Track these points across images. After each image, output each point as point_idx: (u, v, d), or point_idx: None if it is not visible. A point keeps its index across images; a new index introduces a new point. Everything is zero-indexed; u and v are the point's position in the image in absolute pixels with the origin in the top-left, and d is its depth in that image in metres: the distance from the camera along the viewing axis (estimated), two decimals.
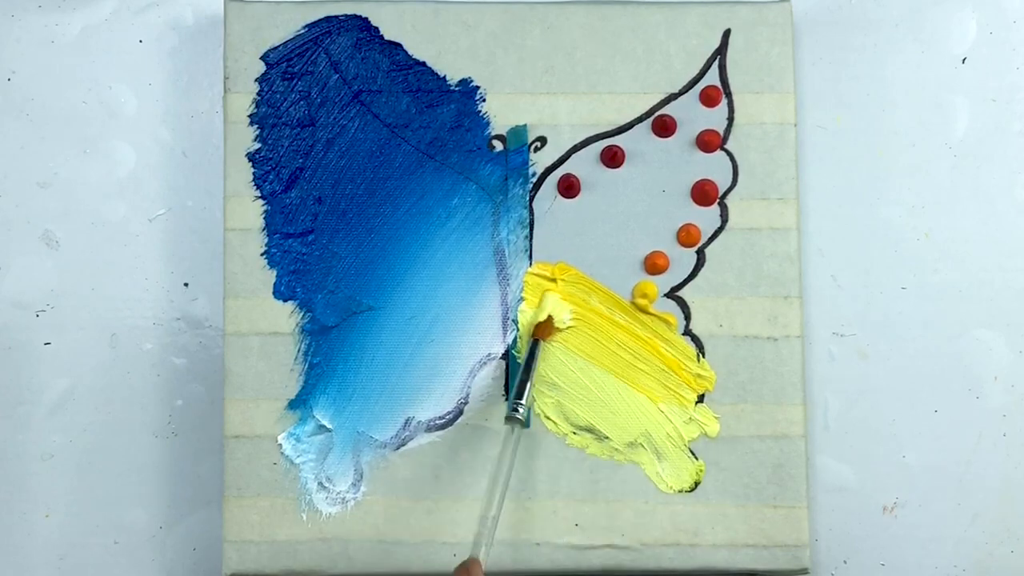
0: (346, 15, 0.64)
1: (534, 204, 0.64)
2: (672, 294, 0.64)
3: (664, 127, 0.64)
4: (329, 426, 0.63)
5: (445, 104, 0.64)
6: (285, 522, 0.62)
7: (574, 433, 0.63)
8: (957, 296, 0.66)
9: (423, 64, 0.64)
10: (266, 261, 0.63)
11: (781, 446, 0.63)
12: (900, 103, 0.67)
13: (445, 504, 0.62)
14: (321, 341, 0.63)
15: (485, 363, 0.63)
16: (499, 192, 0.64)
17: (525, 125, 0.64)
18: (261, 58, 0.64)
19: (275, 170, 0.64)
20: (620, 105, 0.64)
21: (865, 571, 0.65)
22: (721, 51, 0.64)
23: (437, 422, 0.63)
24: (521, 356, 0.63)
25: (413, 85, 0.64)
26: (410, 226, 0.64)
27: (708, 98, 0.64)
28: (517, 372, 0.62)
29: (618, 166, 0.64)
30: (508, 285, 0.63)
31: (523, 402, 0.60)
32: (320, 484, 0.62)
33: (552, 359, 0.63)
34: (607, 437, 0.63)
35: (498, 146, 0.64)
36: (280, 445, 0.62)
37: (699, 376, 0.63)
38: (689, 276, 0.64)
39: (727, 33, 0.64)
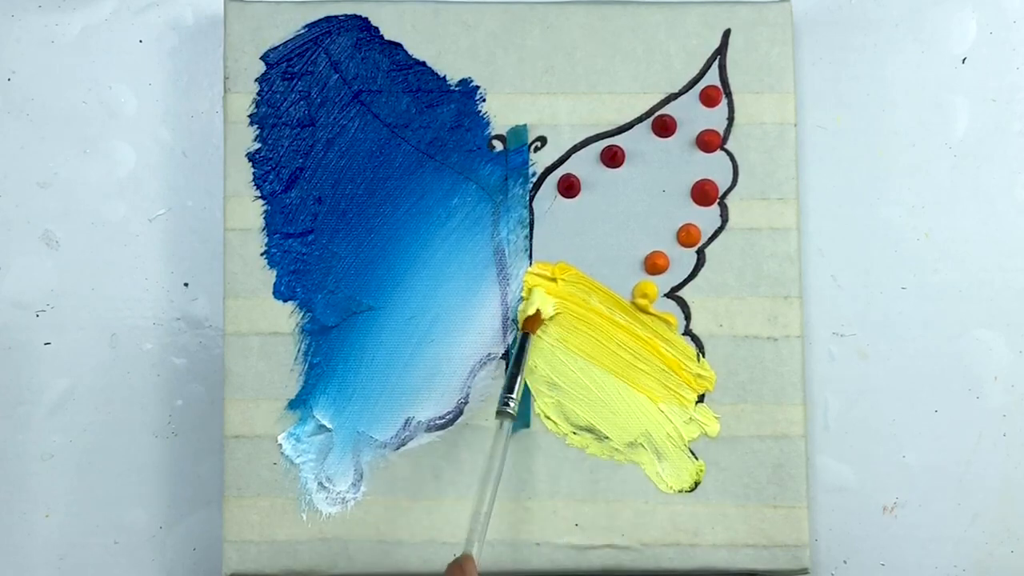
0: (346, 15, 0.64)
1: (534, 204, 0.64)
2: (672, 294, 0.64)
3: (664, 127, 0.64)
4: (329, 426, 0.63)
5: (445, 104, 0.64)
6: (285, 522, 0.62)
7: (574, 433, 0.63)
8: (957, 296, 0.66)
9: (423, 64, 0.64)
10: (266, 261, 0.63)
11: (781, 446, 0.63)
12: (900, 103, 0.67)
13: (445, 504, 0.62)
14: (321, 341, 0.63)
15: (485, 363, 0.63)
16: (499, 192, 0.64)
17: (525, 125, 0.64)
18: (261, 58, 0.64)
19: (275, 170, 0.64)
20: (620, 105, 0.64)
21: (865, 571, 0.65)
22: (721, 51, 0.64)
23: (437, 422, 0.63)
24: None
25: (413, 85, 0.64)
26: (410, 226, 0.64)
27: (708, 98, 0.64)
28: None
29: (618, 166, 0.64)
30: (508, 285, 0.63)
31: (513, 396, 0.60)
32: (320, 484, 0.62)
33: (552, 359, 0.63)
34: (607, 437, 0.63)
35: (498, 146, 0.64)
36: (280, 445, 0.62)
37: (699, 376, 0.63)
38: (689, 276, 0.64)
39: (727, 33, 0.64)
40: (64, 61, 0.67)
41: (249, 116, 0.64)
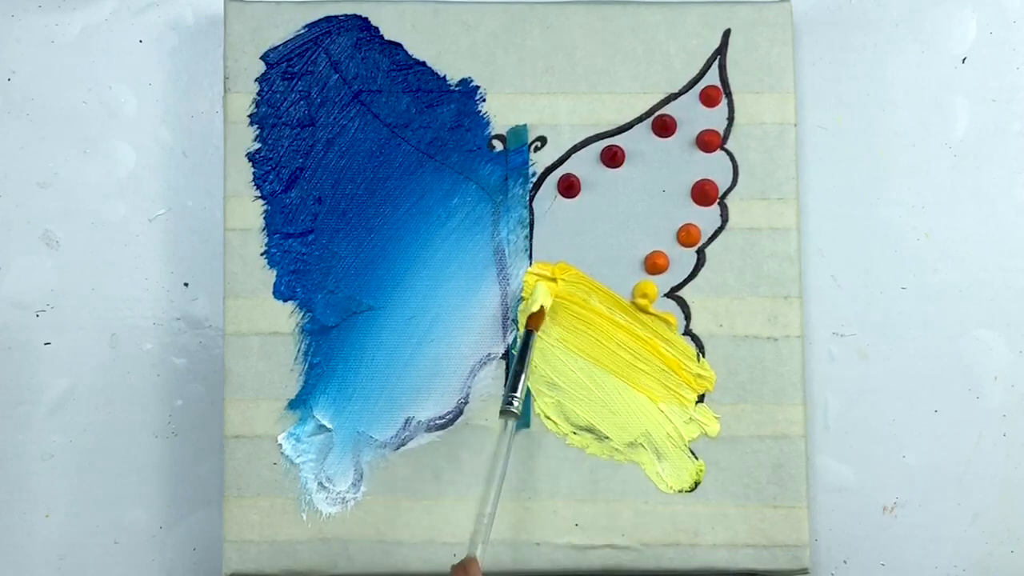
0: (346, 15, 0.64)
1: (534, 204, 0.64)
2: (672, 294, 0.64)
3: (664, 127, 0.64)
4: (329, 426, 0.63)
5: (445, 104, 0.64)
6: (285, 522, 0.62)
7: (574, 433, 0.63)
8: (957, 296, 0.66)
9: (423, 64, 0.64)
10: (266, 261, 0.63)
11: (781, 446, 0.63)
12: (900, 103, 0.67)
13: (445, 504, 0.62)
14: (321, 341, 0.63)
15: (485, 363, 0.63)
16: (499, 192, 0.64)
17: (525, 125, 0.64)
18: (261, 58, 0.64)
19: (275, 170, 0.64)
20: (620, 105, 0.64)
21: (865, 571, 0.65)
22: (721, 51, 0.64)
23: (437, 422, 0.63)
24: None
25: (413, 85, 0.64)
26: (410, 226, 0.64)
27: (708, 98, 0.64)
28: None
29: (618, 166, 0.64)
30: (508, 285, 0.63)
31: (517, 394, 0.60)
32: (320, 484, 0.62)
33: (552, 359, 0.63)
34: (607, 437, 0.63)
35: (498, 146, 0.64)
36: (280, 445, 0.62)
37: (699, 376, 0.63)
38: (689, 276, 0.64)
39: (727, 33, 0.64)
40: (64, 61, 0.67)
41: (249, 116, 0.64)
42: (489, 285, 0.63)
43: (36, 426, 0.65)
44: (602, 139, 0.64)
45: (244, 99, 0.64)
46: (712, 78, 0.64)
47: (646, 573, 0.62)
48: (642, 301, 0.63)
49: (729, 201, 0.64)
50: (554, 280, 0.63)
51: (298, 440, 0.62)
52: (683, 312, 0.63)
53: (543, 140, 0.64)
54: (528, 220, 0.64)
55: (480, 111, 0.64)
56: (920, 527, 0.65)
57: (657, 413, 0.63)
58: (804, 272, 0.65)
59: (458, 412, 0.63)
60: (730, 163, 0.64)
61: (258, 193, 0.63)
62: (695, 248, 0.64)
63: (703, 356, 0.63)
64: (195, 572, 0.65)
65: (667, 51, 0.64)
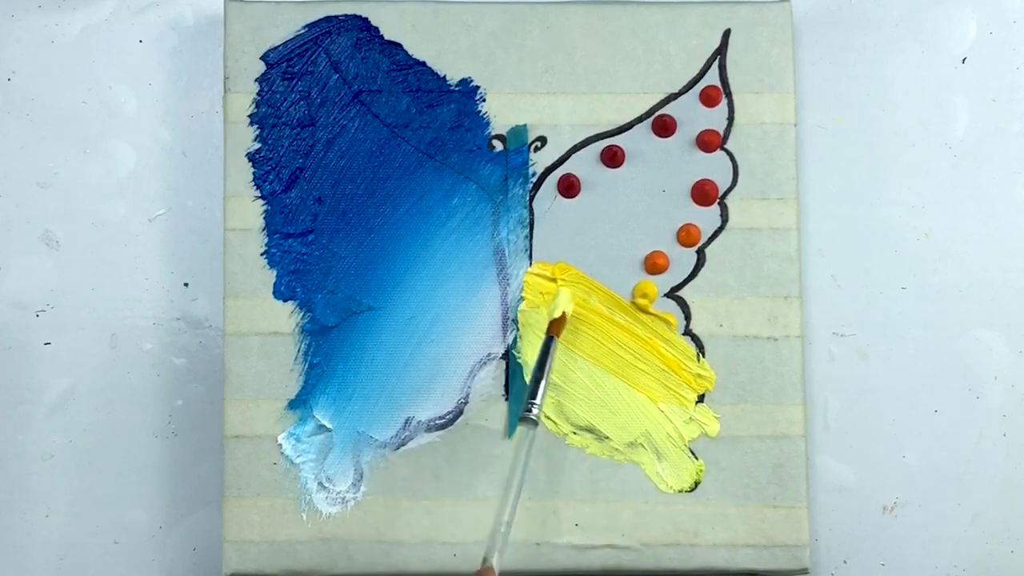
0: (346, 15, 0.64)
1: (534, 204, 0.64)
2: (672, 294, 0.64)
3: (664, 127, 0.64)
4: (329, 426, 0.63)
5: (445, 104, 0.64)
6: (285, 522, 0.62)
7: (574, 433, 0.63)
8: (957, 296, 0.66)
9: (423, 64, 0.64)
10: (266, 261, 0.63)
11: (781, 446, 0.63)
12: (900, 103, 0.67)
13: (445, 504, 0.62)
14: (321, 341, 0.63)
15: (485, 363, 0.63)
16: (499, 192, 0.64)
17: (525, 125, 0.64)
18: (261, 58, 0.64)
19: (275, 170, 0.64)
20: (620, 105, 0.64)
21: (865, 571, 0.65)
22: (721, 51, 0.64)
23: (437, 422, 0.63)
24: (522, 355, 0.63)
25: (413, 85, 0.64)
26: (410, 226, 0.64)
27: (708, 98, 0.64)
28: (518, 372, 0.62)
29: (618, 166, 0.64)
30: (508, 285, 0.63)
31: (537, 402, 0.59)
32: (320, 484, 0.62)
33: (552, 359, 0.63)
34: (607, 437, 0.63)
35: (498, 146, 0.64)
36: (280, 445, 0.62)
37: (699, 376, 0.63)
38: (689, 276, 0.64)
39: (727, 33, 0.64)
40: (64, 61, 0.67)
41: (249, 116, 0.64)
42: (489, 285, 0.63)
43: (36, 426, 0.65)
44: (602, 139, 0.64)
45: (244, 99, 0.64)
46: (712, 78, 0.64)
47: (646, 573, 0.62)
48: (642, 301, 0.63)
49: (729, 201, 0.64)
50: (554, 280, 0.63)
51: (298, 440, 0.62)
52: (683, 312, 0.63)
53: (543, 140, 0.64)
54: (528, 220, 0.64)
55: (480, 111, 0.64)
56: (920, 527, 0.65)
57: (657, 413, 0.63)
58: (804, 272, 0.65)
59: (458, 412, 0.63)
60: (730, 163, 0.64)
61: (258, 193, 0.63)
62: (695, 248, 0.64)
63: (703, 356, 0.63)
64: (195, 572, 0.65)
65: (667, 51, 0.64)
